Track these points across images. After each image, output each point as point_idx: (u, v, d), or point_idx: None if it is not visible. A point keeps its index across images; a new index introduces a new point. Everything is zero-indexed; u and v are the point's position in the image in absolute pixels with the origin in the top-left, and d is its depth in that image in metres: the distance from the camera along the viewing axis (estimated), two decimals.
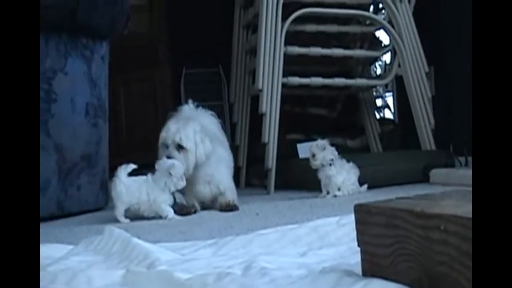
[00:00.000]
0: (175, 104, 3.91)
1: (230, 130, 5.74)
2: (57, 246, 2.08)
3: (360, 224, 1.21)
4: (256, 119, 4.28)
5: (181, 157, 3.10)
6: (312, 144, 3.53)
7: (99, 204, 3.66)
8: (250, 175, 4.71)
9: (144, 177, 3.00)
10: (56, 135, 3.31)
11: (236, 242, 1.87)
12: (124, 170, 2.98)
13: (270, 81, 3.96)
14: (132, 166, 2.97)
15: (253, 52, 4.35)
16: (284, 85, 4.04)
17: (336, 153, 3.51)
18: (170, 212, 2.98)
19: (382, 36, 5.03)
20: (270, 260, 1.55)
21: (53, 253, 1.95)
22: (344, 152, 3.73)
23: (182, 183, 3.02)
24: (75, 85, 3.41)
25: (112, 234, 1.91)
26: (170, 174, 2.98)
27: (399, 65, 4.34)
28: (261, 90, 3.97)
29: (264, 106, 3.97)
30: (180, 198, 3.19)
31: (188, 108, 3.43)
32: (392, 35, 4.28)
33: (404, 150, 4.63)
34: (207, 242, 1.98)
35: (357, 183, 3.55)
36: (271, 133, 3.98)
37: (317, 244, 1.80)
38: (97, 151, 3.59)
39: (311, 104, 5.06)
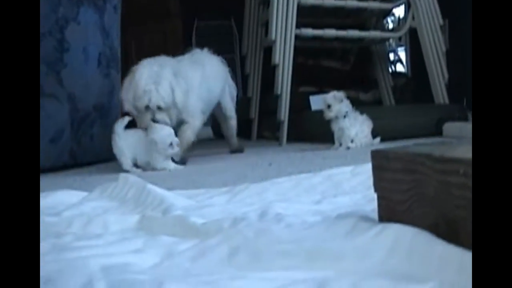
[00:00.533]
0: None
1: (242, 82, 5.73)
2: (71, 192, 2.09)
3: (376, 169, 1.20)
4: (269, 71, 4.26)
5: (164, 116, 3.02)
6: (329, 95, 3.50)
7: (112, 154, 3.67)
8: (262, 127, 4.70)
9: (139, 131, 3.00)
10: (68, 85, 3.31)
11: (251, 189, 1.87)
12: (120, 124, 2.96)
13: (283, 33, 3.93)
14: (128, 119, 2.96)
15: (266, 3, 4.30)
16: (297, 37, 4.00)
17: (350, 106, 3.49)
18: (169, 165, 2.98)
19: None
20: (285, 207, 1.55)
21: (67, 199, 1.96)
22: (357, 105, 3.71)
23: (177, 149, 2.99)
24: (88, 34, 3.40)
25: (126, 180, 1.92)
26: (171, 144, 2.95)
27: (413, 18, 4.29)
28: (274, 41, 3.94)
29: (277, 58, 3.94)
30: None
31: (199, 51, 3.46)
32: None
33: (417, 104, 4.60)
34: (221, 189, 1.98)
35: (370, 135, 3.55)
36: (283, 85, 3.96)
37: (331, 192, 1.80)
38: (109, 101, 3.59)
39: (324, 57, 5.03)
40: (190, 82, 3.15)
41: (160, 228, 1.44)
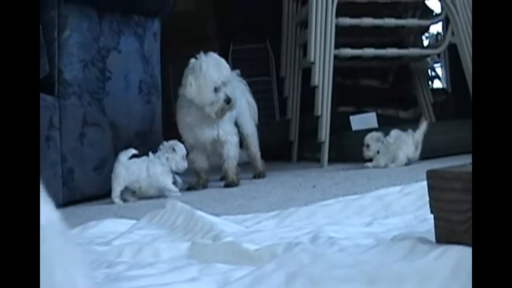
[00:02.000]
0: None
1: (278, 104, 5.73)
2: (120, 221, 2.10)
3: (433, 190, 1.18)
4: (308, 92, 4.25)
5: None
6: (368, 136, 3.52)
7: None
8: (302, 149, 4.69)
9: (144, 157, 3.04)
10: (111, 113, 3.34)
11: (300, 213, 1.85)
12: (124, 154, 3.02)
13: (322, 53, 3.92)
14: (132, 151, 3.00)
15: (304, 24, 4.30)
16: (336, 57, 3.99)
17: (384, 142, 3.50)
18: (170, 185, 3.01)
19: (432, 4, 4.93)
20: (336, 230, 1.53)
21: (117, 227, 1.97)
22: (397, 124, 3.68)
23: (184, 164, 3.06)
24: (128, 62, 3.44)
25: (175, 207, 1.92)
26: (174, 150, 3.02)
27: (453, 33, 4.25)
28: (313, 63, 3.93)
29: (316, 79, 3.93)
30: (180, 184, 3.17)
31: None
32: (445, 2, 4.18)
33: (459, 120, 4.55)
34: (269, 214, 1.97)
35: (416, 150, 3.53)
36: (323, 105, 3.95)
37: (381, 213, 1.78)
38: (151, 128, 3.62)
39: (363, 76, 5.00)
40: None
41: (211, 255, 1.43)
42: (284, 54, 4.76)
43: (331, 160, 3.99)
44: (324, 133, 3.95)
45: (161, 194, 3.03)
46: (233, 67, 3.51)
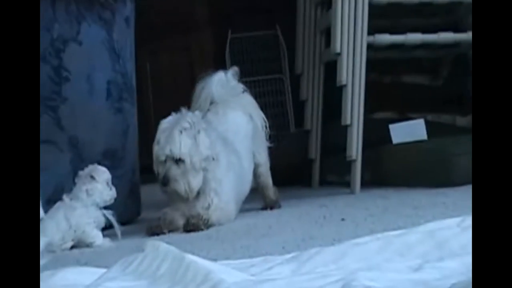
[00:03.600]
0: None
1: (293, 111, 5.74)
2: (83, 269, 2.10)
3: None
4: (332, 95, 4.26)
5: (179, 173, 3.14)
6: None
7: (128, 214, 3.69)
8: (325, 169, 4.69)
9: (57, 203, 3.03)
10: (69, 126, 3.35)
11: (324, 255, 1.86)
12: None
13: (351, 42, 3.93)
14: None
15: (326, 3, 4.32)
16: (369, 46, 4.00)
17: None
18: (98, 237, 3.02)
19: None
20: (374, 277, 1.53)
21: (80, 279, 1.97)
22: (453, 134, 3.68)
23: (110, 193, 3.07)
24: (93, 58, 3.46)
25: (157, 250, 1.92)
26: (93, 177, 3.02)
27: None
28: (339, 54, 3.95)
29: (344, 76, 3.94)
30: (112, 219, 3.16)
31: (216, 84, 3.53)
32: None
33: None
34: (283, 257, 1.98)
35: None
36: (354, 111, 3.95)
37: (434, 254, 1.78)
38: (123, 144, 3.62)
39: (407, 71, 5.02)
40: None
41: None
42: (300, 44, 4.77)
43: (365, 184, 3.99)
44: (355, 148, 3.95)
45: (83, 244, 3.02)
46: (232, 63, 3.54)
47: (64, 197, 3.02)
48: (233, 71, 3.60)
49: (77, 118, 3.39)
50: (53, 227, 2.93)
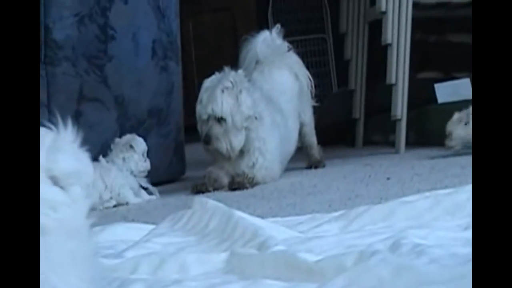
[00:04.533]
0: None
1: (336, 71, 5.70)
2: (132, 225, 2.12)
3: None
4: (377, 54, 4.23)
5: (221, 132, 3.16)
6: (452, 119, 3.45)
7: (173, 173, 3.72)
8: (370, 129, 4.67)
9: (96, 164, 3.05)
10: (115, 84, 3.36)
11: (372, 213, 1.85)
12: None
13: (397, 0, 3.89)
14: None
15: None
16: (415, 5, 3.96)
17: None
18: (131, 197, 3.05)
19: None
20: (423, 235, 1.53)
21: (129, 234, 1.99)
22: None
23: (145, 164, 3.12)
24: (138, 16, 3.46)
25: (205, 207, 1.93)
26: (131, 147, 3.07)
27: None
28: (384, 13, 3.92)
29: (389, 35, 3.91)
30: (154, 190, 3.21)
31: (261, 44, 3.51)
32: None
33: None
34: (331, 215, 1.97)
35: None
36: (399, 71, 3.93)
37: None
38: (168, 103, 3.63)
39: (453, 29, 4.96)
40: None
41: (257, 269, 1.44)
42: (345, 3, 4.74)
43: (410, 144, 3.97)
44: (400, 108, 3.93)
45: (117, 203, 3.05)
46: (274, 22, 3.52)
47: (101, 158, 3.05)
48: (277, 29, 3.59)
49: (122, 76, 3.39)
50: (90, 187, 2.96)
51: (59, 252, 0.98)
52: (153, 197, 3.11)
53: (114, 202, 3.02)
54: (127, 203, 3.02)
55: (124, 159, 3.07)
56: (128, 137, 3.14)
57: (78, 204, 1.03)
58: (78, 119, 3.23)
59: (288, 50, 3.64)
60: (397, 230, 1.65)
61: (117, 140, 3.14)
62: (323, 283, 1.22)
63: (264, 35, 3.54)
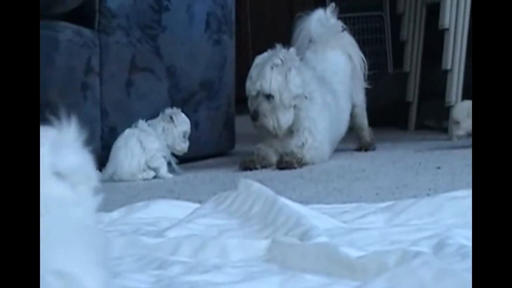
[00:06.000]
0: None
1: (391, 51, 5.65)
2: (177, 203, 2.12)
3: None
4: (434, 37, 4.18)
5: (269, 109, 3.16)
6: (456, 107, 3.45)
7: (223, 147, 3.72)
8: (423, 114, 4.63)
9: (126, 131, 3.06)
10: (168, 55, 3.37)
11: (419, 207, 1.83)
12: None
13: None
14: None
15: None
16: None
17: None
18: (163, 166, 3.05)
19: None
20: (470, 236, 1.50)
21: (173, 212, 1.99)
22: None
23: (183, 145, 3.12)
24: None
25: (250, 190, 1.92)
26: (172, 120, 3.07)
27: None
28: None
29: (446, 19, 3.87)
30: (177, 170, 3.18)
31: (315, 23, 3.50)
32: None
33: None
34: (377, 205, 1.95)
35: None
36: (455, 55, 3.89)
37: None
38: (220, 77, 3.63)
39: None
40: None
41: (298, 260, 1.43)
42: None
43: None
44: (455, 94, 3.89)
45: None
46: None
47: (140, 121, 3.07)
48: (332, 8, 3.56)
49: (175, 47, 3.40)
50: (127, 154, 2.99)
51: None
52: (169, 175, 3.07)
53: (152, 173, 3.03)
54: (156, 170, 3.04)
55: (163, 129, 3.08)
56: (174, 110, 3.14)
57: (86, 203, 1.01)
58: (129, 88, 3.24)
59: (342, 30, 3.61)
60: (443, 227, 1.62)
61: (165, 110, 3.15)
62: (363, 282, 1.20)
63: (319, 13, 3.52)
